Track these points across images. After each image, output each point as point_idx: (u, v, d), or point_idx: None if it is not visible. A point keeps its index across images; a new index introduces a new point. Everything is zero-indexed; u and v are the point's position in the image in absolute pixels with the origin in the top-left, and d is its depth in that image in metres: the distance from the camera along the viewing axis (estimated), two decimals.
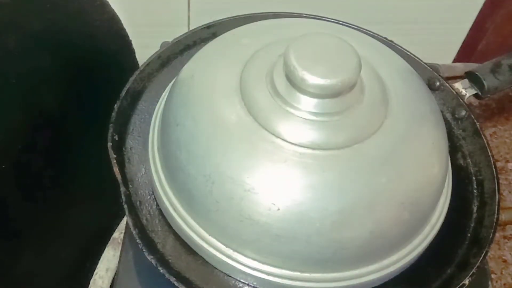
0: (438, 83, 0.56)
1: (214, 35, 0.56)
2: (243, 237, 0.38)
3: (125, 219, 0.58)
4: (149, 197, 0.45)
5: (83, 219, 0.57)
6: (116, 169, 0.43)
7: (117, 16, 0.56)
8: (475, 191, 0.49)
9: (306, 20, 0.54)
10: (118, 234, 0.58)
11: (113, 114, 0.47)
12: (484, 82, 0.56)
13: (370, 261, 0.40)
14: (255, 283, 0.40)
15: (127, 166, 0.46)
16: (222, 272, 0.41)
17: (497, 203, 0.46)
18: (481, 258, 0.42)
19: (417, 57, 0.57)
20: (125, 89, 0.49)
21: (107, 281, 0.56)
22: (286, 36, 0.41)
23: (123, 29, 0.58)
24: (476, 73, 0.56)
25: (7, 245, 0.46)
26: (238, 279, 0.41)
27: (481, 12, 0.71)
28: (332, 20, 0.58)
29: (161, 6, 0.66)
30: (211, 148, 0.38)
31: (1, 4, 0.41)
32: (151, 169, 0.44)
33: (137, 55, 0.62)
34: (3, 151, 0.44)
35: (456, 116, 0.54)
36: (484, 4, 0.70)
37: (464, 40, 0.75)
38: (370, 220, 0.37)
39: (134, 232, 0.40)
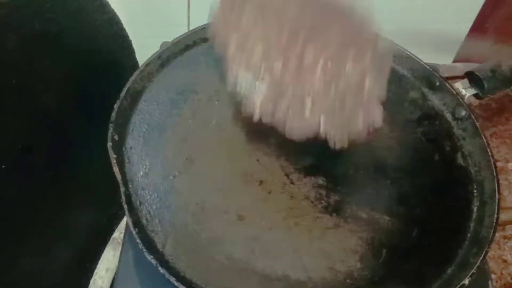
0: (438, 83, 0.56)
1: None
2: None
3: (125, 219, 0.58)
4: (149, 197, 0.45)
5: (83, 219, 0.57)
6: (116, 169, 0.43)
7: (117, 16, 0.56)
8: (475, 191, 0.49)
9: None
10: (118, 234, 0.58)
11: (113, 114, 0.47)
12: (484, 82, 0.55)
13: None
14: None
15: (127, 166, 0.46)
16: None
17: (497, 203, 0.46)
18: (481, 258, 0.42)
19: (417, 57, 0.57)
20: (125, 89, 0.49)
21: (107, 281, 0.56)
22: None
23: (123, 29, 0.58)
24: (476, 73, 0.56)
25: (7, 245, 0.46)
26: None
27: (481, 12, 0.71)
28: None
29: (161, 6, 0.66)
30: None
31: (1, 4, 0.41)
32: None
33: (137, 55, 0.62)
34: (3, 151, 0.44)
35: (456, 116, 0.54)
36: (484, 4, 0.70)
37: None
38: None
39: (134, 232, 0.40)
